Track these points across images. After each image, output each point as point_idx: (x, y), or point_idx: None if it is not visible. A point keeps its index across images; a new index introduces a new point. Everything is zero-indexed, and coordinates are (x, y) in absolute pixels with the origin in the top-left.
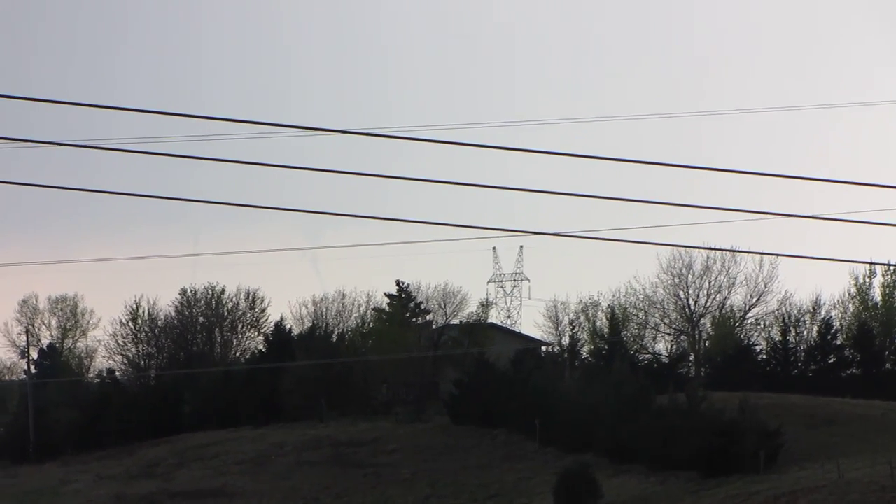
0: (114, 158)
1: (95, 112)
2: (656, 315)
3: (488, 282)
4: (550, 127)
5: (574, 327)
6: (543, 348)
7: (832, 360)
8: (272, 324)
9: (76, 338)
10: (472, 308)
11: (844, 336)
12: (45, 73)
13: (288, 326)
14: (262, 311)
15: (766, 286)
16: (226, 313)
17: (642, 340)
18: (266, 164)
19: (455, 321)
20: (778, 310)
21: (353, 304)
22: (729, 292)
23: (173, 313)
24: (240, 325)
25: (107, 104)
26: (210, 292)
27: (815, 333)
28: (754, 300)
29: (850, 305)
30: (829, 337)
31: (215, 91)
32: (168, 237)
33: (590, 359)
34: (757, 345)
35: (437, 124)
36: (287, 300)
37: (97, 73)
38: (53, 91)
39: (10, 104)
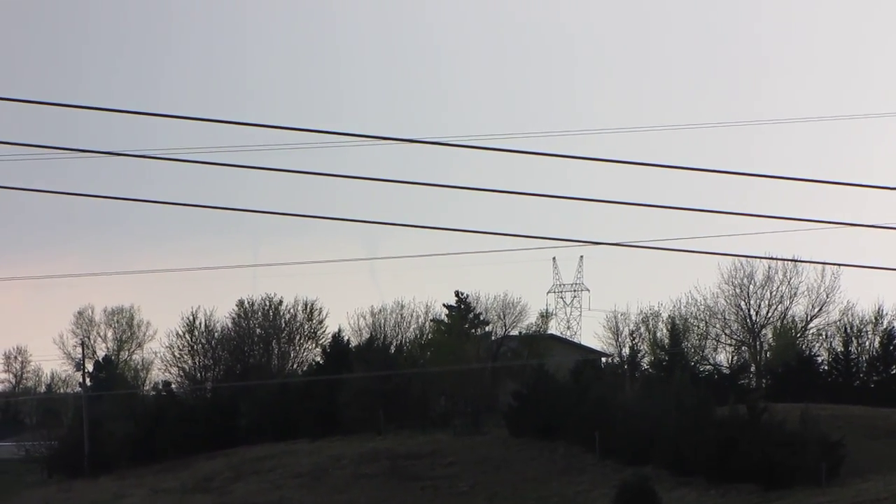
0: (168, 168)
1: (147, 121)
2: (717, 325)
3: (548, 292)
4: (612, 136)
5: (634, 338)
6: (603, 359)
7: (894, 371)
8: (330, 335)
9: (132, 350)
10: (531, 319)
11: None
12: (89, 81)
13: (346, 338)
14: (320, 322)
15: (827, 296)
16: (283, 325)
17: (703, 351)
18: (323, 174)
19: (514, 332)
20: (840, 320)
21: (412, 315)
22: (791, 302)
23: (230, 325)
24: (297, 337)
25: (160, 112)
26: (267, 303)
27: (877, 344)
28: (816, 310)
29: None
30: (892, 347)
31: (267, 100)
32: (225, 248)
33: (650, 370)
34: (818, 355)
35: (497, 133)
36: (345, 311)
37: (145, 82)
38: (99, 98)
39: (62, 113)
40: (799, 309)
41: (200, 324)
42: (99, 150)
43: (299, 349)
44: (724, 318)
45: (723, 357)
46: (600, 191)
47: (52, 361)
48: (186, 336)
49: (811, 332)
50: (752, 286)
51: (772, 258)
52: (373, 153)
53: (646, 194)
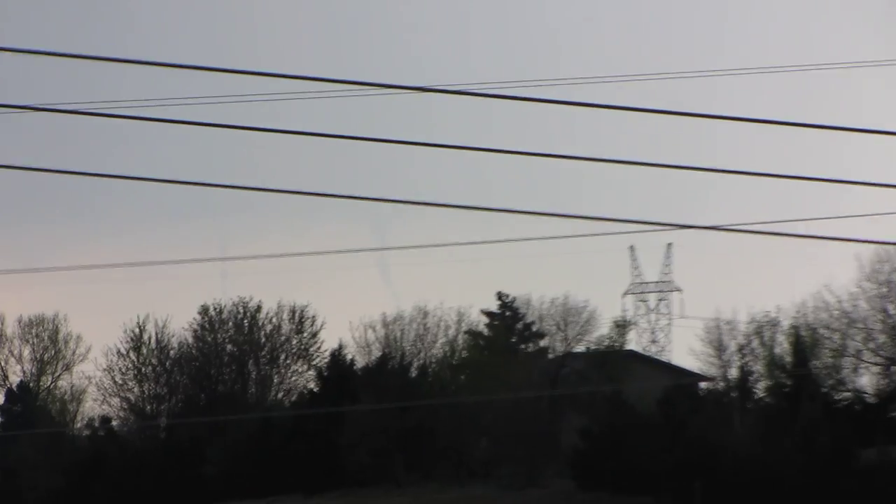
0: (102, 128)
1: (75, 65)
2: (858, 338)
3: (625, 293)
4: (699, 80)
5: (744, 355)
6: (703, 384)
7: None
8: (327, 353)
9: (57, 374)
10: (603, 330)
11: None
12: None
13: (349, 356)
14: (313, 335)
15: None
16: (263, 339)
17: (839, 373)
18: (313, 134)
19: (580, 348)
20: None
21: (439, 326)
22: None
23: (191, 339)
24: (283, 356)
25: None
26: (241, 310)
27: None
28: None
29: None
30: None
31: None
32: (183, 236)
33: (767, 399)
34: None
35: (541, 77)
36: (347, 320)
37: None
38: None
39: None
40: None
41: (150, 339)
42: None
43: (285, 372)
44: (867, 328)
45: (866, 381)
46: (691, 155)
47: None
48: (131, 355)
49: None
50: None
51: None
52: (378, 106)
53: (755, 159)
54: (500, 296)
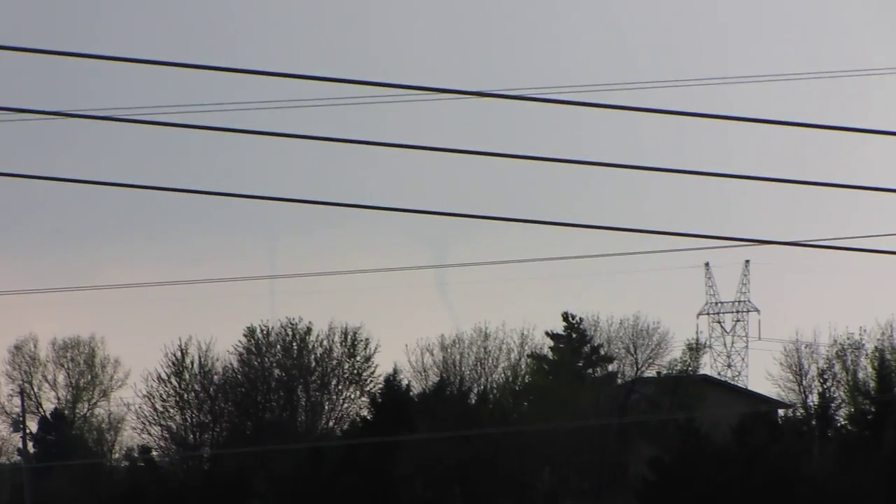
0: (142, 136)
1: (118, 70)
2: None
3: (699, 314)
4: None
5: (826, 380)
6: (781, 412)
7: None
8: (381, 378)
9: (94, 400)
10: (675, 353)
11: None
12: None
13: (404, 382)
14: (367, 360)
15: None
16: (313, 363)
17: None
18: (366, 143)
19: (650, 373)
20: None
21: (501, 349)
22: None
23: (236, 364)
24: (334, 381)
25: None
26: (290, 332)
27: None
28: None
29: None
30: None
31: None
32: (228, 252)
33: (849, 426)
34: None
35: (609, 82)
36: (402, 343)
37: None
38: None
39: None
40: None
41: (192, 363)
42: (42, 109)
43: (337, 399)
44: None
45: None
46: (770, 167)
47: None
48: (172, 381)
49: None
50: None
51: None
52: (436, 112)
53: (837, 170)
54: (565, 317)
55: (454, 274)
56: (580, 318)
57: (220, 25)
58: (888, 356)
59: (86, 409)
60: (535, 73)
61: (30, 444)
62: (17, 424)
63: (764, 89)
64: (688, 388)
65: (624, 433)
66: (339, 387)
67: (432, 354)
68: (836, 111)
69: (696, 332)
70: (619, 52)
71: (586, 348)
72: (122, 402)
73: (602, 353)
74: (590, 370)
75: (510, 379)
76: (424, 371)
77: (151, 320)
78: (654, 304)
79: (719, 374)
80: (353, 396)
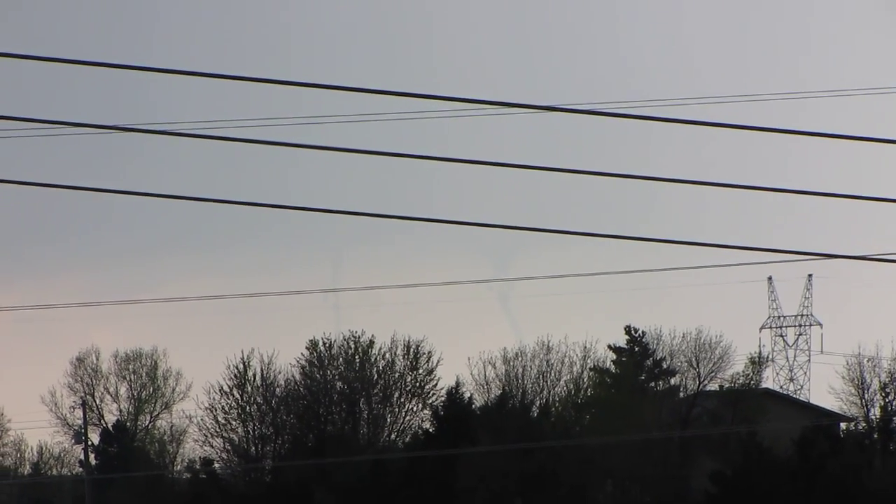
0: (201, 150)
1: (171, 84)
2: None
3: (762, 328)
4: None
5: (888, 393)
6: (843, 425)
7: None
8: (444, 391)
9: (156, 413)
10: (737, 367)
11: None
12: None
13: (466, 395)
14: (429, 372)
15: None
16: (376, 376)
17: None
18: (431, 158)
19: (712, 386)
20: None
21: (563, 363)
22: None
23: (298, 376)
24: (396, 394)
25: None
26: (352, 345)
27: None
28: None
29: None
30: None
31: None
32: (290, 265)
33: None
34: None
35: (681, 96)
36: (465, 356)
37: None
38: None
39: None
40: None
41: (255, 375)
42: (94, 123)
43: (399, 411)
44: None
45: None
46: (834, 181)
47: (39, 430)
48: (234, 393)
49: None
50: None
51: None
52: (501, 127)
53: None
54: (628, 330)
55: (517, 287)
56: (643, 332)
57: (284, 39)
58: None
59: (147, 422)
60: (600, 88)
61: (91, 456)
62: (80, 436)
63: (831, 103)
64: (750, 401)
65: (686, 447)
66: (402, 399)
67: (494, 367)
68: None
69: (759, 346)
70: (685, 67)
71: (649, 362)
72: (184, 415)
73: (664, 366)
74: (652, 383)
75: (572, 392)
76: (486, 384)
77: (214, 333)
78: (716, 318)
79: (781, 387)
80: (415, 409)
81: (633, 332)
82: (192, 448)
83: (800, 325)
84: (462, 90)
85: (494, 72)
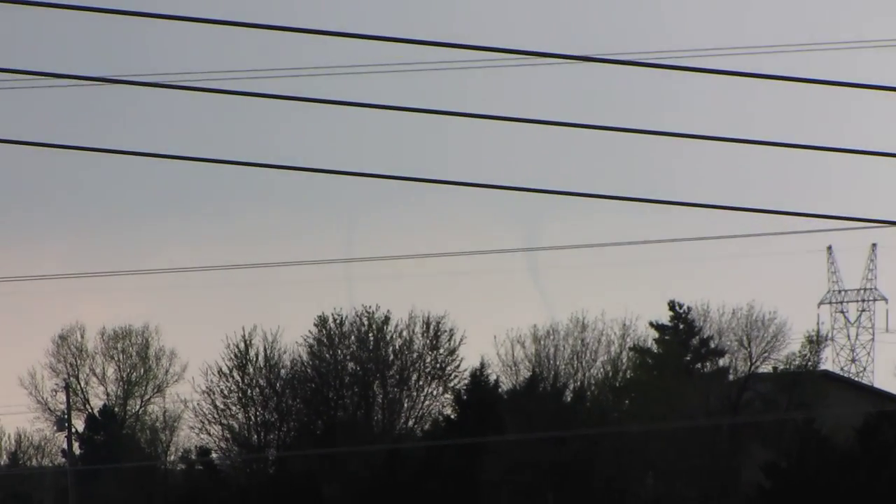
0: (196, 105)
1: (151, 30)
2: None
3: (820, 303)
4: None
5: None
6: None
7: None
8: (466, 373)
9: (147, 397)
10: (793, 346)
11: None
12: None
13: (492, 378)
14: (451, 352)
15: None
16: (392, 356)
17: None
18: (450, 113)
19: (766, 368)
20: None
21: (599, 341)
22: None
23: (305, 357)
24: (414, 376)
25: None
26: (366, 322)
27: None
28: None
29: None
30: None
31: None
32: (296, 233)
33: None
34: None
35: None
36: (491, 335)
37: None
38: None
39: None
40: None
41: (257, 355)
42: (78, 74)
43: (417, 395)
44: None
45: None
46: None
47: (17, 416)
48: (235, 375)
49: None
50: None
51: None
52: (527, 79)
53: None
54: (672, 306)
55: (548, 257)
56: (688, 308)
57: None
58: None
59: (138, 407)
60: (637, 37)
61: (76, 445)
62: (62, 423)
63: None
64: (807, 384)
65: (736, 435)
66: (420, 382)
67: (524, 347)
68: None
69: (817, 323)
70: (734, 16)
71: (695, 341)
72: (179, 399)
73: (712, 346)
74: (698, 365)
75: (610, 374)
76: (515, 365)
77: (212, 308)
78: (770, 293)
79: (842, 369)
80: (435, 393)
81: (677, 307)
82: (188, 436)
83: (863, 301)
84: (485, 38)
85: (521, 18)
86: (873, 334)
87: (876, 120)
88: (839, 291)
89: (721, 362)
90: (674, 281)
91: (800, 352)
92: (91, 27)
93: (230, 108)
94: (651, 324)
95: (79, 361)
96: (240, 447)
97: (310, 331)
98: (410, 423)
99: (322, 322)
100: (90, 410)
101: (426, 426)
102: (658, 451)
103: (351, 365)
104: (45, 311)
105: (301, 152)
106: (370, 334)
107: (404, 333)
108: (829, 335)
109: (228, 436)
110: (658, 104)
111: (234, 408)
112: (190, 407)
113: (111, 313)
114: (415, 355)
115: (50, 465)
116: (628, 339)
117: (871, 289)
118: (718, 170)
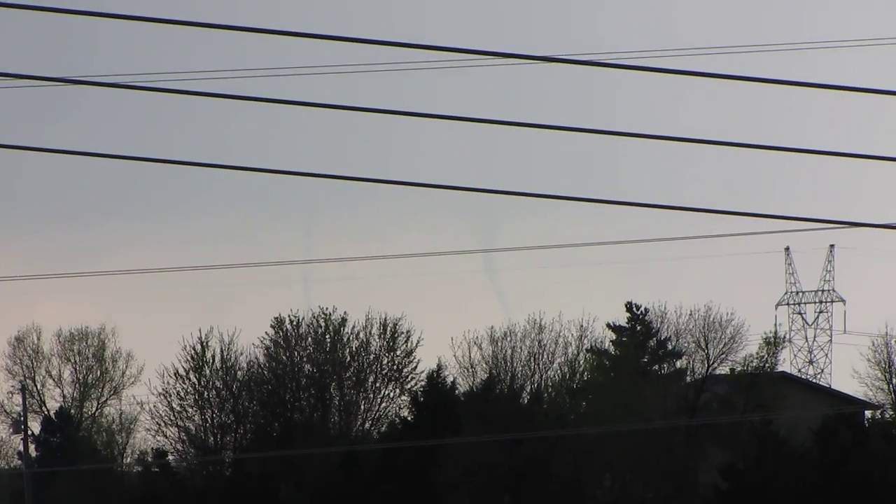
0: (157, 104)
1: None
2: None
3: (777, 304)
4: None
5: None
6: (868, 413)
7: None
8: (423, 375)
9: (103, 399)
10: (750, 348)
11: None
12: None
13: (449, 379)
14: (408, 354)
15: None
16: (348, 358)
17: None
18: (412, 114)
19: (723, 370)
20: None
21: (556, 343)
22: None
23: (262, 358)
24: (371, 378)
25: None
26: (322, 323)
27: None
28: None
29: None
30: None
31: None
32: (254, 234)
33: None
34: None
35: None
36: (448, 336)
37: None
38: None
39: None
40: None
41: (213, 357)
42: (31, 74)
43: (374, 397)
44: None
45: None
46: (859, 140)
47: None
48: (191, 377)
49: None
50: None
51: None
52: (486, 80)
53: None
54: (629, 307)
55: (505, 259)
56: (645, 309)
57: None
58: None
59: (94, 409)
60: (593, 39)
61: (31, 447)
62: (18, 425)
63: (861, 54)
64: (765, 386)
65: (693, 437)
66: (377, 384)
67: (480, 348)
68: None
69: (775, 325)
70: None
71: (652, 342)
72: (135, 401)
73: (669, 347)
74: (656, 366)
75: (567, 376)
76: (472, 367)
77: (168, 309)
78: (727, 294)
79: (800, 371)
80: (392, 395)
81: (634, 309)
82: (144, 438)
83: (820, 302)
84: (446, 39)
85: (483, 18)
86: (831, 336)
87: (836, 120)
88: (797, 293)
89: (678, 364)
90: (631, 282)
91: (757, 353)
92: (51, 26)
93: (185, 109)
94: (608, 325)
95: (35, 363)
96: (196, 449)
97: (266, 332)
98: (367, 424)
99: (279, 324)
100: (46, 412)
101: (383, 428)
102: (615, 452)
103: (308, 367)
104: (0, 312)
105: (257, 153)
106: (327, 336)
107: (361, 335)
108: (787, 336)
109: (185, 438)
110: (616, 105)
111: (190, 410)
112: (146, 409)
113: (68, 315)
114: (371, 357)
115: (6, 467)
116: (585, 341)
117: (828, 290)
118: (676, 170)
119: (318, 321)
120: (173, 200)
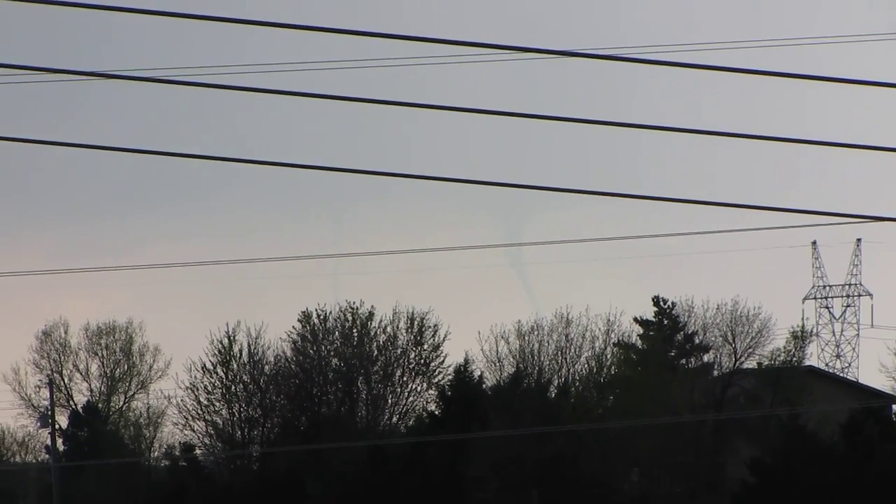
0: (180, 99)
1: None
2: None
3: (805, 299)
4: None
5: None
6: (895, 407)
7: None
8: (451, 369)
9: (131, 393)
10: (778, 342)
11: None
12: None
13: (476, 373)
14: (436, 348)
15: None
16: (376, 352)
17: None
18: (435, 107)
19: (750, 364)
20: None
21: (584, 337)
22: None
23: (289, 352)
24: (398, 372)
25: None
26: (350, 317)
27: None
28: None
29: None
30: None
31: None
32: (281, 229)
33: None
34: None
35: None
36: (475, 330)
37: None
38: None
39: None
40: None
41: (241, 351)
42: (63, 69)
43: (401, 391)
44: None
45: None
46: (888, 133)
47: (2, 412)
48: (219, 371)
49: None
50: None
51: None
52: (513, 74)
53: None
54: (656, 301)
55: (533, 253)
56: (672, 303)
57: None
58: None
59: (122, 403)
60: (621, 32)
61: (59, 441)
62: (46, 419)
63: (889, 48)
64: (792, 380)
65: (721, 431)
66: (404, 378)
67: (508, 343)
68: None
69: (802, 319)
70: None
71: (679, 336)
72: (163, 395)
73: (697, 341)
74: (683, 360)
75: (594, 370)
76: (499, 361)
77: (196, 303)
78: (755, 288)
79: (827, 365)
80: (419, 389)
81: (661, 303)
82: (171, 432)
83: (847, 296)
84: (470, 34)
85: (507, 14)
86: (858, 330)
87: (863, 114)
88: (824, 287)
89: (705, 358)
90: (658, 276)
91: (784, 347)
92: (85, 21)
93: (213, 104)
94: (635, 319)
95: (62, 357)
96: (223, 443)
97: (294, 326)
98: (394, 419)
99: (306, 318)
100: (74, 406)
101: (410, 422)
102: (643, 446)
103: (335, 361)
104: (28, 306)
105: (284, 148)
106: (354, 330)
107: (388, 329)
108: (814, 331)
109: (212, 432)
110: (640, 99)
111: (217, 404)
112: (174, 403)
113: (95, 309)
114: (399, 351)
115: (33, 461)
116: (613, 335)
117: (855, 284)
118: (704, 165)
119: (345, 315)
120: (201, 195)
